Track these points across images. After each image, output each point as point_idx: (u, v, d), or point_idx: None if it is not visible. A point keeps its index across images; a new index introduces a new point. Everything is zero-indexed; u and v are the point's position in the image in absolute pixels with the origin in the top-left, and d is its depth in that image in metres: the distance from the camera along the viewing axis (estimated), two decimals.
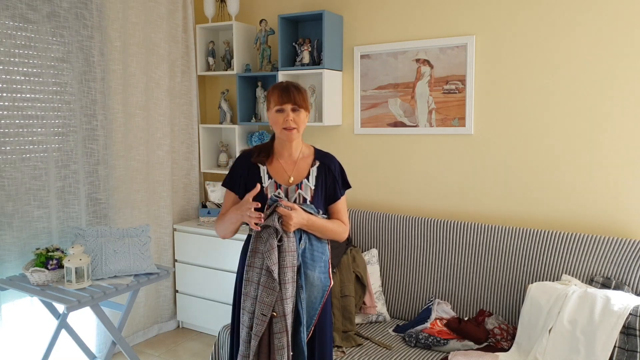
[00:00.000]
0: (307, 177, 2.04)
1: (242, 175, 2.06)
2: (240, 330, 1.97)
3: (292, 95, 1.96)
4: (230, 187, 2.09)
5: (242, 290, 1.97)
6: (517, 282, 2.70)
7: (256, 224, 1.88)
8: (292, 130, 1.97)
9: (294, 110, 1.97)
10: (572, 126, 2.74)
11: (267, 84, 3.64)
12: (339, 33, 3.34)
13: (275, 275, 1.87)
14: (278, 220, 1.89)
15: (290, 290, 1.90)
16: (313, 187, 2.03)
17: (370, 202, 3.40)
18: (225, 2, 3.69)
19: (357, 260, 2.89)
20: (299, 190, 2.01)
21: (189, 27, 3.64)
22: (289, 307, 1.89)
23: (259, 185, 1.95)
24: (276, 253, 1.88)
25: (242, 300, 1.97)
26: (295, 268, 1.93)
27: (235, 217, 1.97)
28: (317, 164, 2.07)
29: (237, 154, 3.54)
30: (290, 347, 1.90)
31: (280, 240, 1.90)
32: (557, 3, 2.72)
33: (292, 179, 2.03)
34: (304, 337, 1.94)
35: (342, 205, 2.11)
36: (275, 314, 1.89)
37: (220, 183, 2.85)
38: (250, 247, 1.96)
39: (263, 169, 2.04)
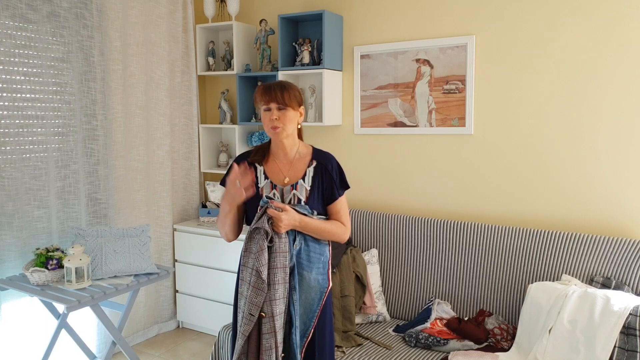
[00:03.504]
0: (303, 178, 2.01)
1: None
2: (237, 329, 1.97)
3: (275, 94, 1.95)
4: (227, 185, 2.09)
5: (238, 289, 1.97)
6: (517, 282, 2.70)
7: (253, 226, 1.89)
8: (276, 129, 1.96)
9: (279, 109, 1.96)
10: (572, 126, 2.74)
11: None
12: (339, 33, 3.34)
13: (264, 276, 1.86)
14: (268, 222, 1.89)
15: (280, 291, 1.89)
16: (309, 188, 2.00)
17: (370, 202, 3.40)
18: (225, 2, 3.69)
19: (357, 260, 2.89)
20: (294, 191, 1.98)
21: (189, 27, 3.64)
22: (278, 308, 1.88)
23: (245, 163, 1.97)
24: (266, 254, 1.88)
25: (238, 300, 1.97)
26: (287, 269, 1.91)
27: (224, 201, 1.97)
28: (314, 163, 2.03)
29: (237, 154, 3.55)
30: (279, 348, 1.89)
31: (270, 242, 1.89)
32: (557, 3, 2.72)
33: (287, 179, 2.01)
34: (296, 338, 1.92)
35: (341, 205, 2.07)
36: (263, 314, 1.88)
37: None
38: (243, 247, 1.96)
39: (260, 169, 2.03)
